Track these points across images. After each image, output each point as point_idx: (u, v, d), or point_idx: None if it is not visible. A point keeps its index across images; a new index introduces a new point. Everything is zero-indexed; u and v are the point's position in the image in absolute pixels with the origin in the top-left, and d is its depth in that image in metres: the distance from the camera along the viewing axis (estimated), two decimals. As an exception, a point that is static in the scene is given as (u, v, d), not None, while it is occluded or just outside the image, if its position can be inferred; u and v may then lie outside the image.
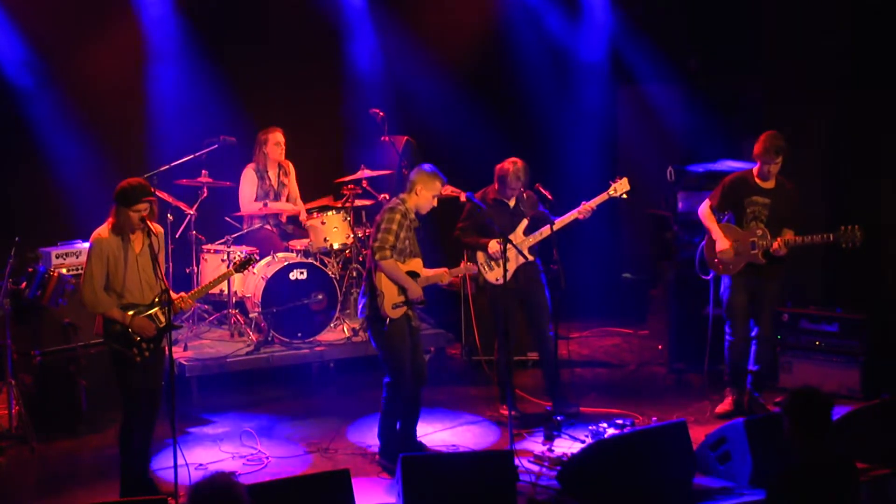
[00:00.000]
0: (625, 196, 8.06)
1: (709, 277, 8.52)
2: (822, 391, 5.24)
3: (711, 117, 10.48)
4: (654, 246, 9.95)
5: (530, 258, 7.94)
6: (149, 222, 6.54)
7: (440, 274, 7.37)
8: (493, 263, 7.98)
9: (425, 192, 7.22)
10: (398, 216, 7.16)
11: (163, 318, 6.59)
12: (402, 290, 7.17)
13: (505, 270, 7.51)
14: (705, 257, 8.29)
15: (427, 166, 7.33)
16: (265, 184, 9.78)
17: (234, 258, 8.71)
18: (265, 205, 9.62)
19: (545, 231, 7.99)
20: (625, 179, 8.02)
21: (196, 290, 7.20)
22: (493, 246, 7.87)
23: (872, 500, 6.30)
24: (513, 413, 7.67)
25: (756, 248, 7.95)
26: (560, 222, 7.99)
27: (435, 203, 7.32)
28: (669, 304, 9.37)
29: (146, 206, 6.49)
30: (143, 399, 6.63)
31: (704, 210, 8.22)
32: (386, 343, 7.21)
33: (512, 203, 8.07)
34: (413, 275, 7.23)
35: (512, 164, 7.96)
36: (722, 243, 8.02)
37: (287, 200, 9.90)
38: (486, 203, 7.95)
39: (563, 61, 11.16)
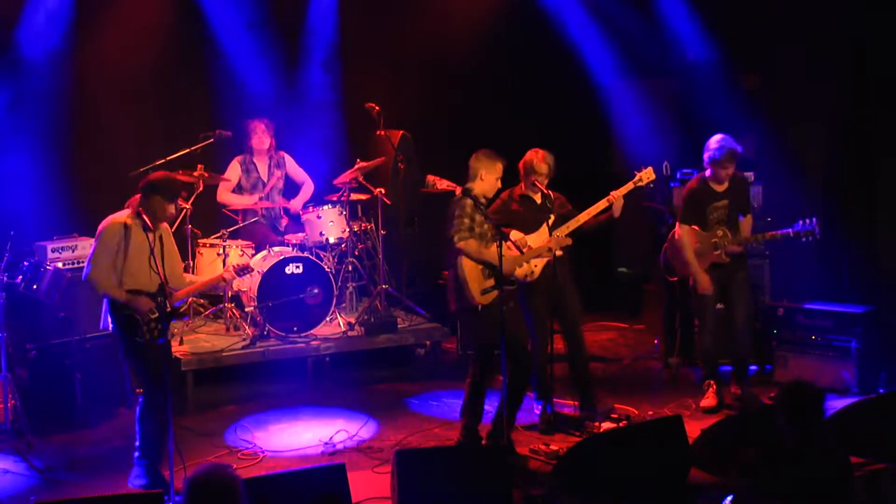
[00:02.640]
0: (651, 185, 8.00)
1: (674, 280, 8.68)
2: (814, 385, 5.25)
3: (708, 111, 10.45)
4: (650, 240, 9.95)
5: (559, 253, 7.67)
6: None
7: (544, 245, 7.41)
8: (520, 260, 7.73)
9: (489, 176, 7.25)
10: (468, 201, 7.14)
11: (168, 305, 6.71)
12: (490, 273, 7.13)
13: (501, 269, 7.44)
14: (669, 260, 8.43)
15: (484, 151, 7.31)
16: (251, 175, 9.77)
17: (233, 263, 8.57)
18: (260, 199, 9.67)
19: (571, 224, 7.75)
20: (650, 169, 7.92)
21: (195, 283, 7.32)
22: (516, 235, 7.57)
23: (867, 495, 6.31)
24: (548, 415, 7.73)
25: (718, 249, 8.13)
26: (587, 214, 7.77)
27: (499, 184, 7.33)
28: (664, 299, 9.38)
29: (178, 202, 6.80)
30: (161, 383, 6.62)
31: (683, 239, 8.22)
32: (482, 332, 7.20)
33: (538, 200, 7.81)
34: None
35: (534, 153, 7.77)
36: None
37: (299, 186, 9.96)
38: (514, 200, 7.83)
39: (560, 56, 11.12)
